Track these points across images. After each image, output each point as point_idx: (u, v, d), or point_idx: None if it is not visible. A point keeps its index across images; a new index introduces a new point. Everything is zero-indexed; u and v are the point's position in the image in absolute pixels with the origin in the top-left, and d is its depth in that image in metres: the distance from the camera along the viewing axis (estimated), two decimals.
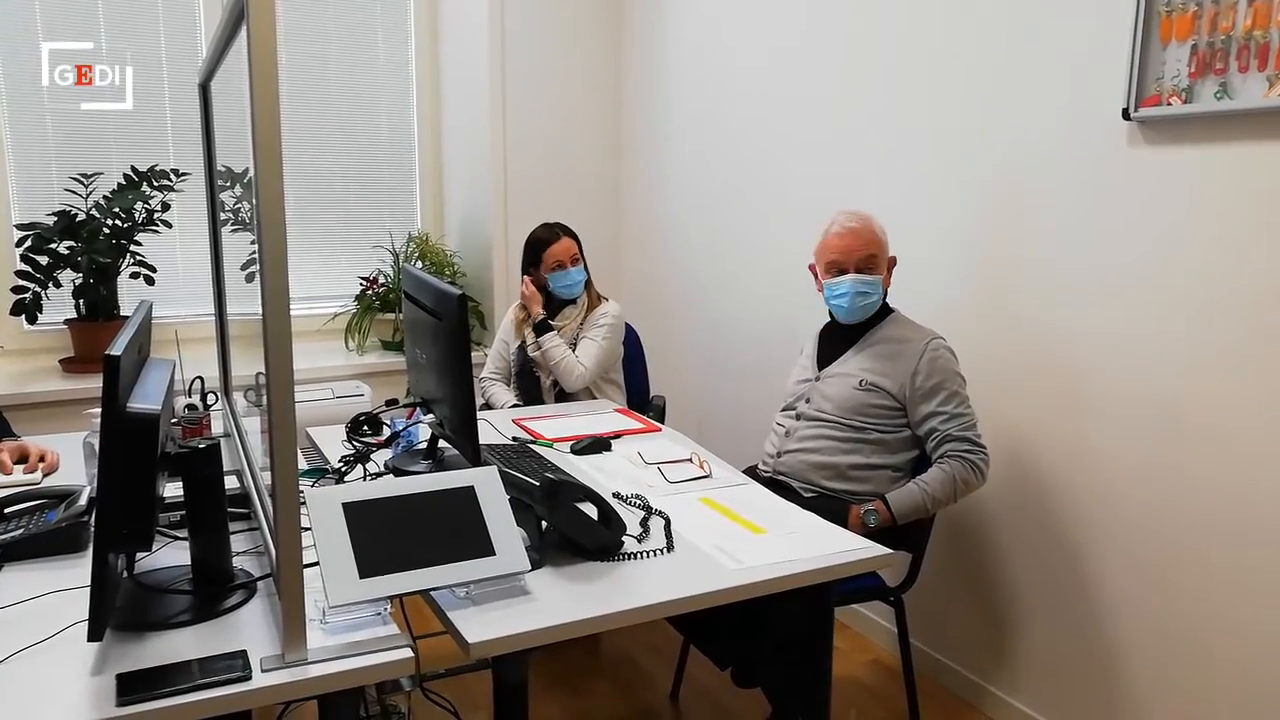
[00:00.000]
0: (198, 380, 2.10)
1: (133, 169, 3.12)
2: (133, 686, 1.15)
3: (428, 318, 1.92)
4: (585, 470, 2.08)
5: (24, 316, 3.04)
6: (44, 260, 3.02)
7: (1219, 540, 1.92)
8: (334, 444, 2.21)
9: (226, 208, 2.19)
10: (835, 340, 2.33)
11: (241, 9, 1.14)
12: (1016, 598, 2.39)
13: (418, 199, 3.90)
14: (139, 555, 1.44)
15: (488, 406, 2.87)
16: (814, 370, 2.34)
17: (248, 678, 1.18)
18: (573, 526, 1.58)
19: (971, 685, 2.52)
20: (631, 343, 3.04)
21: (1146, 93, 1.94)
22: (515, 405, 2.81)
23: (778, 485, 2.22)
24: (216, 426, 2.13)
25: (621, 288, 3.76)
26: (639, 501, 1.85)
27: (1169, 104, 1.91)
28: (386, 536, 1.38)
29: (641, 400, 3.00)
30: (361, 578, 1.32)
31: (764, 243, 3.10)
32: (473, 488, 1.48)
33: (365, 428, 2.26)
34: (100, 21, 3.24)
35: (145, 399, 1.30)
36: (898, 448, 2.20)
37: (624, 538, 1.63)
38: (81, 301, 3.14)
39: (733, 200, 3.23)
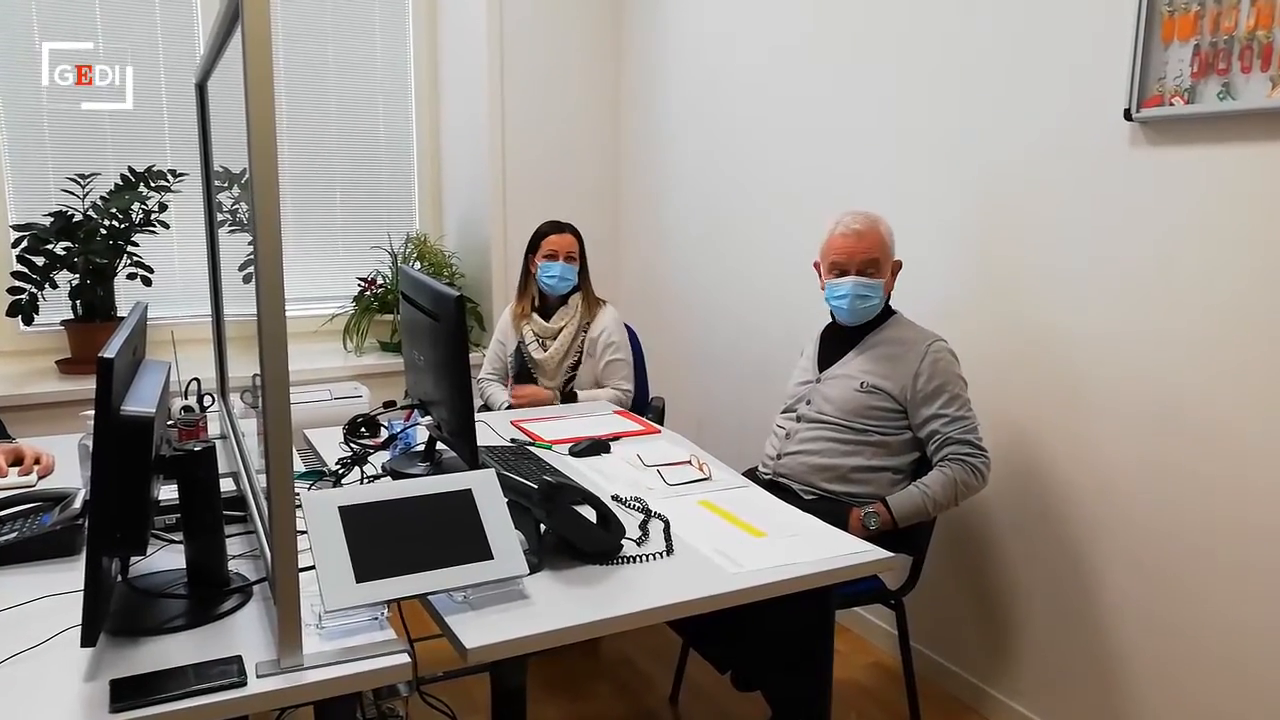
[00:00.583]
0: (194, 382, 2.09)
1: (130, 169, 3.11)
2: (126, 693, 1.14)
3: (425, 319, 1.91)
4: (584, 472, 2.07)
5: (20, 318, 3.03)
6: (40, 261, 3.02)
7: (1220, 540, 1.92)
8: (332, 446, 2.20)
9: (224, 209, 2.19)
10: (836, 342, 2.32)
11: (235, 8, 1.13)
12: (1017, 600, 2.38)
13: (416, 199, 3.89)
14: (133, 559, 1.43)
15: (485, 407, 2.86)
16: (815, 372, 2.33)
17: (243, 684, 1.17)
18: (571, 529, 1.57)
19: (972, 688, 2.51)
20: (631, 343, 3.03)
21: (1148, 93, 1.93)
22: (514, 405, 2.80)
23: (777, 488, 2.21)
24: (213, 428, 2.12)
25: (621, 288, 3.76)
26: (638, 504, 1.84)
27: (1171, 104, 1.90)
28: (383, 540, 1.36)
29: (641, 402, 2.99)
30: (358, 582, 1.31)
31: (764, 243, 3.10)
32: (470, 491, 1.47)
33: (363, 429, 2.25)
34: (98, 21, 3.23)
35: (139, 401, 1.29)
36: (899, 450, 2.19)
37: (623, 541, 1.62)
38: (78, 302, 3.13)
39: (733, 200, 3.22)
